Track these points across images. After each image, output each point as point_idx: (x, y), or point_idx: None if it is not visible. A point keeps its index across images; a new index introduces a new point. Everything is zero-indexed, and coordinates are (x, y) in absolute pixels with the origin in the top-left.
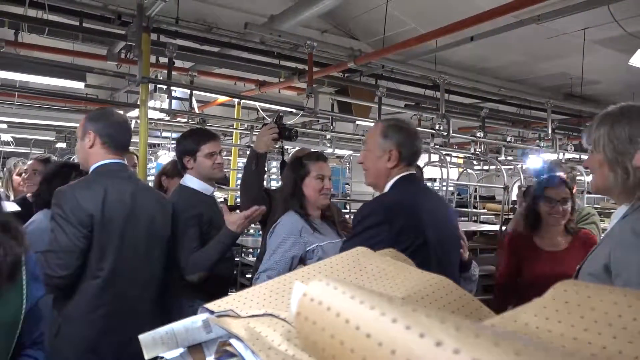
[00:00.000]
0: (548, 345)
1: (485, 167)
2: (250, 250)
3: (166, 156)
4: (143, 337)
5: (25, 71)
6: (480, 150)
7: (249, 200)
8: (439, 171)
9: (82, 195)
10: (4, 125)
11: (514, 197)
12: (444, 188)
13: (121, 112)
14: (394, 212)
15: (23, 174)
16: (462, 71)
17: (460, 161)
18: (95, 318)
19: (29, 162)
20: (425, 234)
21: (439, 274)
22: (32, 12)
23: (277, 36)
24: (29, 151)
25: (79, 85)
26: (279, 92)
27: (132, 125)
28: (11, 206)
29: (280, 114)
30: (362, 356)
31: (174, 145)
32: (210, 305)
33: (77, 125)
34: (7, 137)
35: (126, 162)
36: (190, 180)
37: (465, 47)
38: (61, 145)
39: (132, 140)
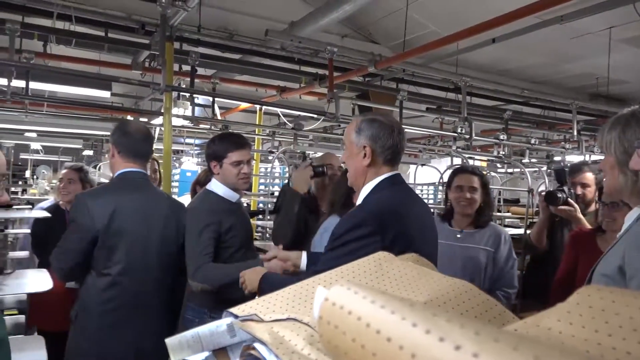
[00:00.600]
0: (570, 350)
1: (509, 170)
2: None
3: (190, 162)
4: (169, 341)
5: (54, 81)
6: (503, 153)
7: (285, 238)
8: None
9: (92, 203)
10: (34, 134)
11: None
12: None
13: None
14: (387, 221)
15: (59, 182)
16: (484, 73)
17: (484, 164)
18: (105, 311)
19: (63, 171)
20: (414, 243)
21: None
22: (59, 24)
23: (298, 42)
24: (57, 159)
25: (105, 94)
26: (300, 97)
27: (157, 132)
28: (40, 213)
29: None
30: None
31: (197, 152)
32: (234, 310)
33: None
34: (37, 145)
35: (146, 170)
36: (215, 185)
37: (487, 49)
38: (88, 152)
39: (156, 147)
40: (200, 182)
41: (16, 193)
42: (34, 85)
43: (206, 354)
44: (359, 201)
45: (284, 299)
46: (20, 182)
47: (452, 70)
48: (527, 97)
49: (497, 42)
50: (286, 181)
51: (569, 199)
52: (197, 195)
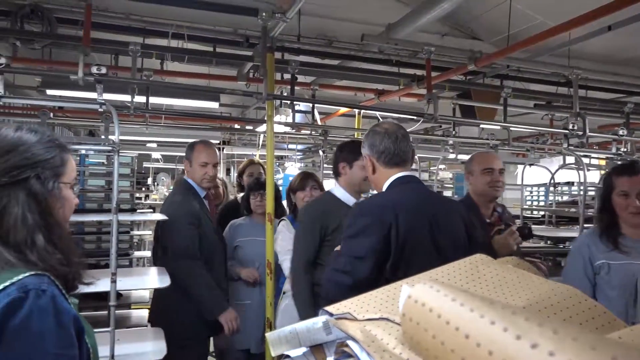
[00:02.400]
0: None
1: None
2: None
3: (293, 167)
4: (270, 335)
5: (170, 95)
6: (625, 149)
7: None
8: (576, 174)
9: None
10: (154, 145)
11: None
12: (582, 192)
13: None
14: (382, 214)
15: None
16: (600, 64)
17: (602, 162)
18: None
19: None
20: (410, 235)
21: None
22: (174, 43)
23: (394, 45)
24: (174, 167)
25: (214, 105)
26: (399, 99)
27: (261, 139)
28: (160, 216)
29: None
30: (461, 356)
31: (299, 157)
32: (329, 308)
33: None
34: (157, 154)
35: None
36: (337, 189)
37: (603, 38)
38: None
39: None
40: (292, 188)
41: (140, 199)
42: (153, 100)
43: (304, 349)
44: None
45: (377, 298)
46: (143, 189)
47: (563, 63)
48: None
49: (614, 30)
50: None
51: None
52: (319, 195)
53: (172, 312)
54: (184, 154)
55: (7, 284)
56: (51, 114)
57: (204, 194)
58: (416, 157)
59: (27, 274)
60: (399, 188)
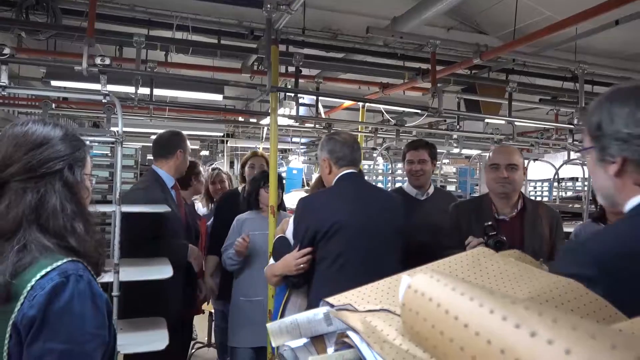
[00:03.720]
0: None
1: None
2: None
3: (296, 160)
4: (270, 326)
5: (175, 87)
6: None
7: None
8: (580, 170)
9: None
10: None
11: None
12: (586, 188)
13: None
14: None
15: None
16: (607, 59)
17: None
18: None
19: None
20: (343, 225)
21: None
22: (178, 35)
23: (400, 37)
24: None
25: (217, 97)
26: (403, 93)
27: (264, 132)
28: (163, 208)
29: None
30: (460, 346)
31: (303, 150)
32: (330, 299)
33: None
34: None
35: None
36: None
37: (610, 32)
38: (205, 152)
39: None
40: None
41: None
42: (157, 91)
43: (304, 340)
44: None
45: (378, 290)
46: None
47: (569, 58)
48: None
49: (621, 24)
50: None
51: None
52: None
53: (145, 303)
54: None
55: (48, 269)
56: (53, 105)
57: (172, 184)
58: None
59: (65, 260)
60: (345, 182)
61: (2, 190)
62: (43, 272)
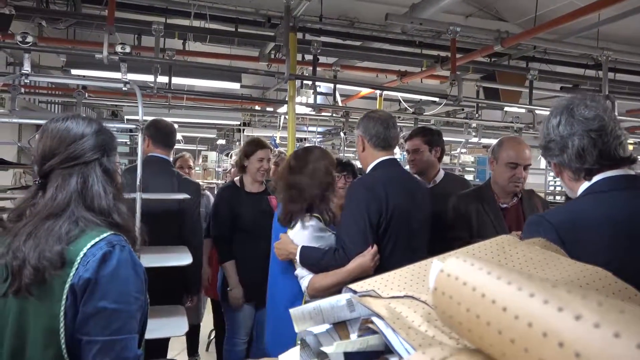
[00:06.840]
0: None
1: None
2: None
3: None
4: (294, 311)
5: (192, 76)
6: None
7: None
8: None
9: None
10: (176, 126)
11: None
12: None
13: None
14: (372, 189)
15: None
16: (631, 46)
17: (630, 147)
18: None
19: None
20: (396, 210)
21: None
22: (196, 23)
23: (419, 24)
24: (195, 148)
25: (235, 86)
26: (421, 81)
27: (282, 121)
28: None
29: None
30: (498, 329)
31: (319, 139)
32: (353, 286)
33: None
34: (178, 136)
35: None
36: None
37: (634, 19)
38: (221, 141)
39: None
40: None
41: None
42: (175, 80)
43: (327, 326)
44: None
45: (402, 277)
46: None
47: (591, 45)
48: None
49: None
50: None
51: None
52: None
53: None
54: (205, 135)
55: (97, 239)
56: (86, 94)
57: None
58: None
59: (109, 233)
60: (383, 169)
61: (48, 178)
62: (93, 242)
